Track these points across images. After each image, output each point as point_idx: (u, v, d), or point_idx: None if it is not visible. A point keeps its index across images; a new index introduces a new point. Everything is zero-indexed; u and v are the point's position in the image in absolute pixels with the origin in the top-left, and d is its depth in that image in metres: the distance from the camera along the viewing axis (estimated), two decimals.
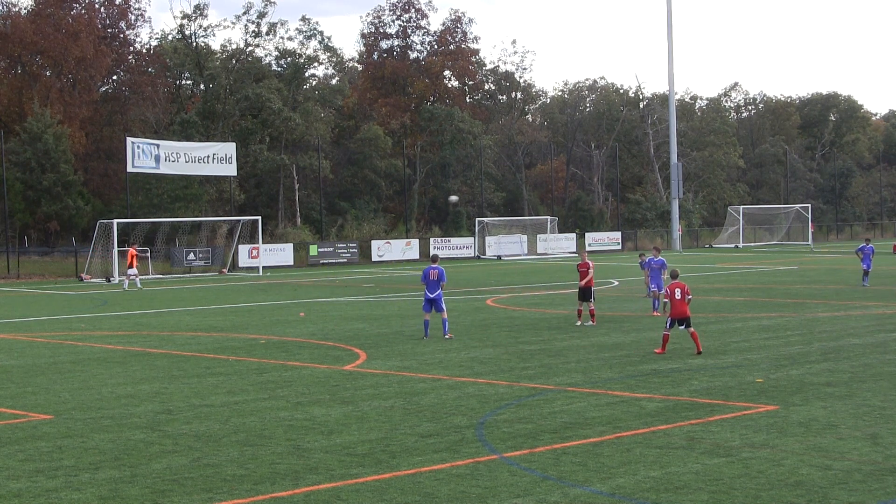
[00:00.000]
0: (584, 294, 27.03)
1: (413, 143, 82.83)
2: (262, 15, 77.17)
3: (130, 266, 46.18)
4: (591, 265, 27.30)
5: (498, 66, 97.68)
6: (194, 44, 78.08)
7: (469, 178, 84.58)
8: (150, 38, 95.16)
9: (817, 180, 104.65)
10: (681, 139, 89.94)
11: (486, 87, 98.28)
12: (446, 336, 24.30)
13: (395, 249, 67.02)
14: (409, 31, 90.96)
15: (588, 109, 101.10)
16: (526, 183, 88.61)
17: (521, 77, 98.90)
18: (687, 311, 21.20)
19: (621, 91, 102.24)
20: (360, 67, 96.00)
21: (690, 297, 21.51)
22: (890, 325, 25.88)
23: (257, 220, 58.69)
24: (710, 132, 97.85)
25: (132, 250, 47.07)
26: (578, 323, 27.00)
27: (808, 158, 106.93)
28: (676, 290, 21.24)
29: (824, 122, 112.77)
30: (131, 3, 77.89)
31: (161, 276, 54.56)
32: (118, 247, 52.62)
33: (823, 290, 36.79)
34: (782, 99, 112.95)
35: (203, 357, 22.26)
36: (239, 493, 11.27)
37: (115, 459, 12.84)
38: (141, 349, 23.89)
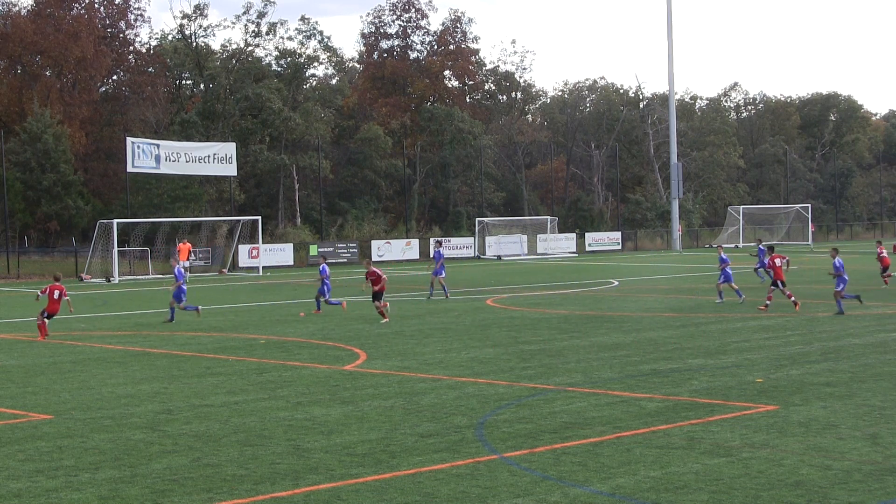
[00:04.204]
0: (378, 295, 29.05)
1: (413, 143, 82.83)
2: (262, 15, 77.24)
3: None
4: (380, 272, 29.60)
5: (498, 66, 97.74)
6: (194, 44, 78.11)
7: (469, 178, 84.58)
8: (150, 38, 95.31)
9: (817, 180, 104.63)
10: (681, 139, 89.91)
11: (486, 87, 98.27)
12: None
13: (395, 249, 67.01)
14: (409, 31, 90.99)
15: (588, 109, 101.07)
16: (526, 183, 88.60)
17: (521, 77, 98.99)
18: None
19: (621, 91, 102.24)
20: (360, 67, 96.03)
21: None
22: (890, 325, 25.89)
23: (257, 220, 58.68)
24: (710, 132, 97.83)
25: (183, 245, 51.33)
26: (385, 321, 28.42)
27: (808, 158, 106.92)
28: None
29: (824, 122, 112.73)
30: (131, 3, 77.95)
31: (161, 275, 54.54)
32: (118, 247, 52.76)
33: (823, 290, 36.77)
34: (782, 99, 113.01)
35: (203, 357, 22.27)
36: (239, 493, 11.27)
37: (115, 459, 12.84)
38: (141, 349, 23.89)
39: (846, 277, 29.10)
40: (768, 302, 30.20)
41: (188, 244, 52.83)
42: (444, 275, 37.19)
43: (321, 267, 32.43)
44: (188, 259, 51.33)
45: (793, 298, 29.94)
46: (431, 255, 39.28)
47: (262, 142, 73.51)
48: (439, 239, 45.44)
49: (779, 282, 30.34)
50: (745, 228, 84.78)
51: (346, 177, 79.04)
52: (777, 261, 30.71)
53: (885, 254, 39.40)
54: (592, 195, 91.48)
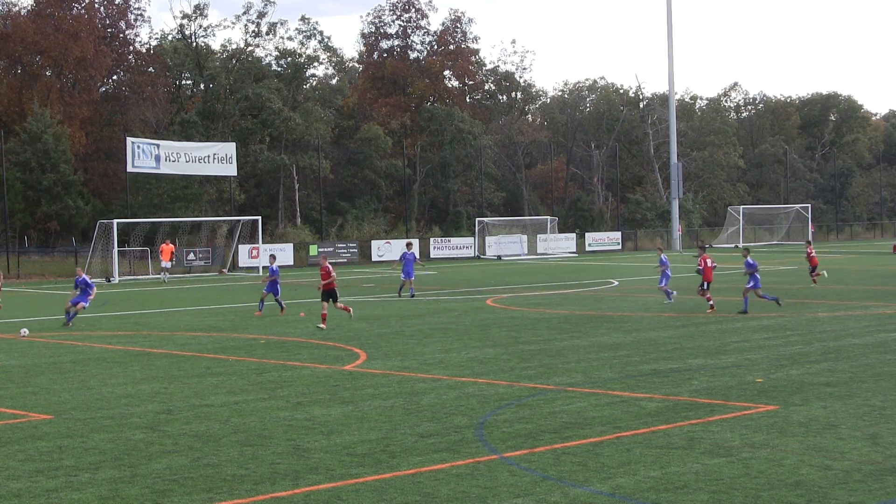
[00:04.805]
0: (328, 295, 27.92)
1: (413, 143, 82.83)
2: (262, 15, 77.26)
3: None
4: (331, 269, 28.44)
5: (498, 65, 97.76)
6: (194, 44, 78.11)
7: (469, 178, 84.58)
8: (150, 38, 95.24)
9: (817, 180, 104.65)
10: (681, 139, 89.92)
11: (486, 87, 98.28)
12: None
13: (395, 249, 66.92)
14: (409, 31, 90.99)
15: (588, 109, 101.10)
16: (526, 183, 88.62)
17: (521, 77, 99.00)
18: None
19: (621, 91, 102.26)
20: (360, 67, 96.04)
21: None
22: (890, 325, 25.88)
23: (257, 220, 58.71)
24: (710, 132, 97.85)
25: (166, 246, 52.51)
26: (322, 326, 27.07)
27: (808, 158, 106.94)
28: None
29: (824, 122, 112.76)
30: (131, 3, 77.94)
31: (160, 275, 54.54)
32: (118, 247, 52.80)
33: (823, 290, 36.79)
34: (782, 99, 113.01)
35: (203, 357, 22.27)
36: (239, 493, 11.27)
37: (115, 459, 12.84)
38: (141, 349, 23.89)
39: (758, 277, 29.21)
40: (712, 303, 30.24)
41: (171, 245, 53.21)
42: (412, 277, 37.67)
43: (271, 267, 32.25)
44: (171, 260, 51.69)
45: (711, 302, 30.12)
46: (399, 257, 39.39)
47: (262, 142, 73.52)
48: (409, 241, 47.03)
49: (706, 282, 30.76)
50: (745, 228, 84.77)
51: (346, 177, 79.05)
52: (708, 261, 31.03)
53: (813, 254, 39.90)
54: (592, 195, 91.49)
